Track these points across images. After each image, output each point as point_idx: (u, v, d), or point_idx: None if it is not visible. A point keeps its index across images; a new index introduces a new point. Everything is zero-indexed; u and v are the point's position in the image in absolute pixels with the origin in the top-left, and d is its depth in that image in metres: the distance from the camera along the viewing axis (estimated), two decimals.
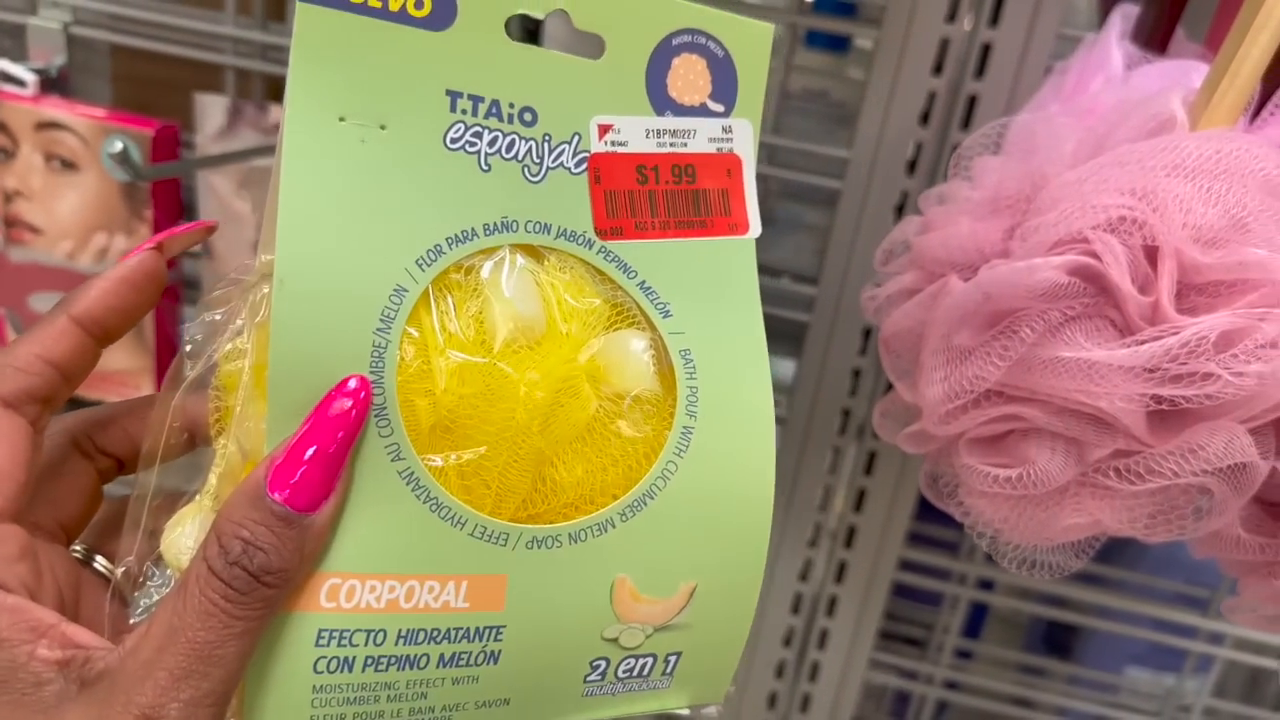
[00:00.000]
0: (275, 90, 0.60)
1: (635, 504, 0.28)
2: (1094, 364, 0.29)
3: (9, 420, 0.26)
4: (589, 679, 0.29)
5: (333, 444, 0.24)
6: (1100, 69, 0.41)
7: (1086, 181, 0.31)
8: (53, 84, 0.55)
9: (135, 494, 0.29)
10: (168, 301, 0.58)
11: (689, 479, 0.29)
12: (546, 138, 0.28)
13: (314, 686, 0.26)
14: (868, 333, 0.52)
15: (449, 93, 0.27)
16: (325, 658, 0.26)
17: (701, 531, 0.29)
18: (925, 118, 0.48)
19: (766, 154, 0.52)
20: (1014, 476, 0.31)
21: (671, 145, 0.30)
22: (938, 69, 0.47)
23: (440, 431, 0.26)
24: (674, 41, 0.29)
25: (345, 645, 0.26)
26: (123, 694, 0.23)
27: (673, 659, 0.30)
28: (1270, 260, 0.29)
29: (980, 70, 0.47)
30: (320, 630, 0.25)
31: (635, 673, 0.30)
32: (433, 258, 0.27)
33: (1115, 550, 0.62)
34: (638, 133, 0.29)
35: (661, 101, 0.30)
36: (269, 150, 0.53)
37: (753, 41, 0.30)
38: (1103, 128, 0.33)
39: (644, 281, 0.29)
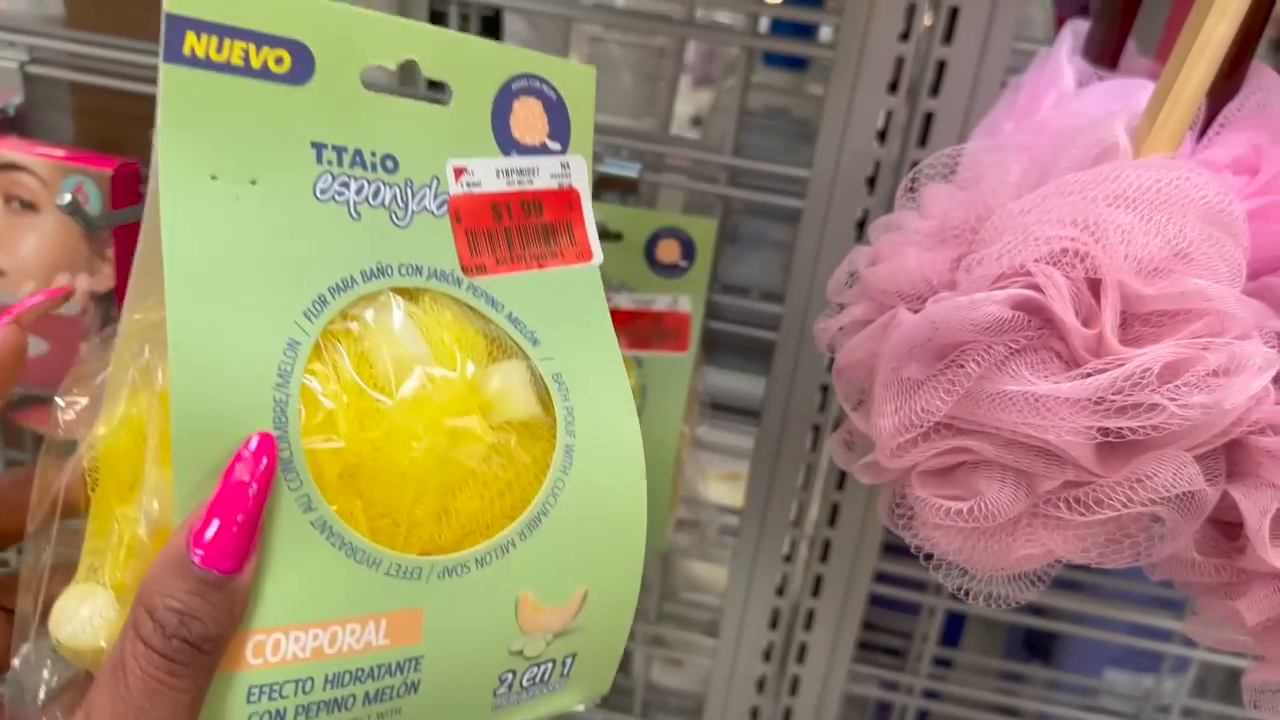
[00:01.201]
0: None
1: (531, 522, 0.30)
2: (1040, 397, 0.29)
3: None
4: (498, 692, 0.31)
5: (248, 503, 0.24)
6: (1053, 85, 0.41)
7: (1030, 212, 0.31)
8: (10, 124, 0.54)
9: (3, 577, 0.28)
10: None
11: (576, 492, 0.31)
12: (409, 183, 0.29)
13: None
14: None
15: (314, 145, 0.28)
16: (258, 714, 0.26)
17: (590, 538, 0.31)
18: (883, 136, 0.48)
19: (730, 174, 0.52)
20: (965, 509, 0.31)
21: (519, 183, 0.32)
22: (893, 87, 0.47)
23: (347, 477, 0.27)
24: (513, 86, 0.31)
25: (275, 699, 0.26)
26: None
27: (569, 661, 0.32)
28: (1212, 290, 0.29)
29: (936, 88, 0.47)
30: (250, 688, 0.25)
31: (538, 680, 0.31)
32: (319, 308, 0.27)
33: None
34: (489, 173, 0.31)
35: (507, 142, 0.31)
36: None
37: (578, 84, 0.32)
38: (1046, 155, 0.33)
39: (511, 313, 0.31)
